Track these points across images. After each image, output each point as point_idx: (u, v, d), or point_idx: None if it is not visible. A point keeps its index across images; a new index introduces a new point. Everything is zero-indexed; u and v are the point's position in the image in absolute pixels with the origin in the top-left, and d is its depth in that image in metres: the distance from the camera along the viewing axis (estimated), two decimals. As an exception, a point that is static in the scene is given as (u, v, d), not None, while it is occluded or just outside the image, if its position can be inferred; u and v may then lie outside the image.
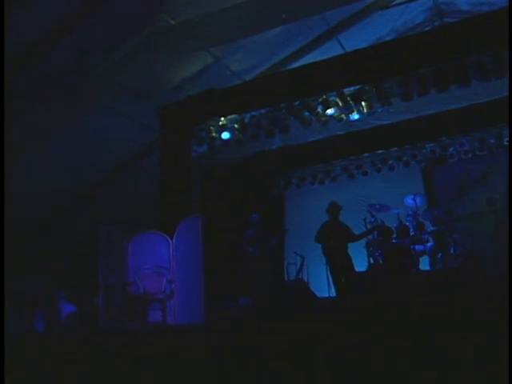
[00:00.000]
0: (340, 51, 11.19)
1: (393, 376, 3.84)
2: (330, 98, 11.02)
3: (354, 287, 9.74)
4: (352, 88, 10.94)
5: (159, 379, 4.87)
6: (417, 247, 11.05)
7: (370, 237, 11.10)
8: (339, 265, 10.52)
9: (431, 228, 11.51)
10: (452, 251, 11.06)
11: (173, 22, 9.40)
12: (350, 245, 10.75)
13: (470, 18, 10.00)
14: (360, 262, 10.88)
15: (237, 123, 11.49)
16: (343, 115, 11.47)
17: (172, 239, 9.43)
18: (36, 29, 8.54)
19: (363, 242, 11.07)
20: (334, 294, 10.71)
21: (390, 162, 13.93)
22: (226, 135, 11.50)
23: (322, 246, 10.73)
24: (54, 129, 10.88)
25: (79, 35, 8.90)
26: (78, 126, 11.05)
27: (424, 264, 11.24)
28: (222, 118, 11.42)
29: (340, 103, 11.11)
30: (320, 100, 11.06)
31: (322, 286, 11.27)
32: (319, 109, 11.21)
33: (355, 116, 11.50)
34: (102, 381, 5.03)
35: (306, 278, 12.16)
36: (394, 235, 11.12)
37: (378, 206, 11.54)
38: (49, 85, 9.55)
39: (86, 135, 11.14)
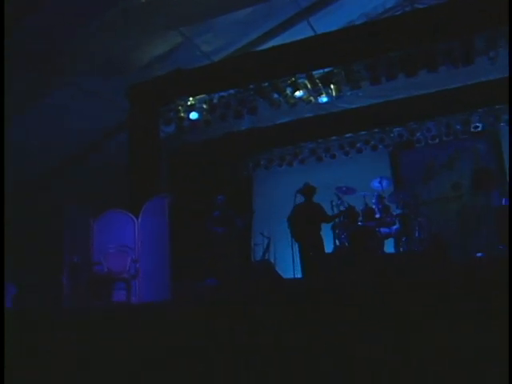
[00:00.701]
0: (311, 33, 11.18)
1: (355, 356, 3.89)
2: (299, 80, 11.03)
3: (318, 269, 9.80)
4: (321, 71, 10.96)
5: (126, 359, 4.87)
6: (382, 230, 11.15)
7: (337, 219, 11.17)
8: (310, 246, 10.56)
9: (397, 211, 11.62)
10: (417, 235, 11.19)
11: (143, 0, 9.30)
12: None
13: (440, 5, 10.05)
14: (326, 244, 10.94)
15: (205, 103, 11.47)
16: (312, 98, 11.49)
17: (138, 218, 9.40)
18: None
19: (329, 224, 11.14)
20: (299, 275, 10.78)
21: (358, 145, 13.98)
22: (194, 115, 11.47)
23: (292, 228, 10.72)
24: (25, 103, 10.73)
25: (51, 9, 8.76)
26: (47, 101, 10.92)
27: (389, 247, 11.37)
28: (191, 98, 11.38)
29: (309, 85, 11.13)
30: (289, 82, 11.07)
31: (288, 266, 11.34)
32: (288, 91, 11.23)
33: (324, 99, 11.52)
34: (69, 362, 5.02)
35: (272, 259, 12.22)
36: (360, 218, 11.22)
37: (344, 189, 11.60)
38: (16, 58, 9.39)
39: (54, 112, 11.01)
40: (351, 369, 3.59)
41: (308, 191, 10.91)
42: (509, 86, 9.61)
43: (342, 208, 11.15)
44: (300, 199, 10.86)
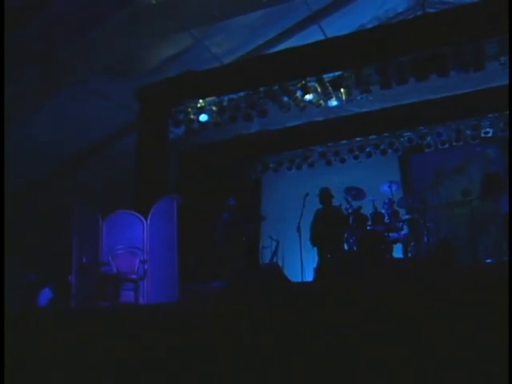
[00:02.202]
0: (321, 37, 11.17)
1: (358, 360, 3.88)
2: (309, 84, 11.03)
3: (328, 272, 9.77)
4: (331, 74, 10.96)
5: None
6: (391, 235, 11.11)
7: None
8: (331, 251, 10.54)
9: (406, 216, 11.58)
10: (425, 240, 11.14)
11: (154, 2, 9.32)
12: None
13: (451, 9, 10.05)
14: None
15: (215, 105, 11.46)
16: (322, 101, 11.48)
17: (147, 220, 9.40)
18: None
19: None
20: (307, 279, 10.74)
21: (368, 149, 13.98)
22: (203, 117, 11.47)
23: (312, 234, 10.69)
24: (29, 103, 10.75)
25: (58, 9, 8.79)
26: (54, 102, 10.94)
27: (397, 251, 11.33)
28: (201, 100, 11.38)
29: (319, 89, 11.13)
30: (299, 85, 11.06)
31: (296, 270, 11.31)
32: (298, 94, 11.21)
33: (334, 102, 11.51)
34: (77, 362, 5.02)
35: (280, 262, 12.19)
36: (369, 222, 11.18)
37: (354, 193, 11.58)
38: (24, 58, 9.42)
39: (62, 112, 11.03)
40: (351, 369, 3.58)
41: (325, 196, 10.85)
42: (509, 92, 9.60)
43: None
44: (309, 203, 10.84)
